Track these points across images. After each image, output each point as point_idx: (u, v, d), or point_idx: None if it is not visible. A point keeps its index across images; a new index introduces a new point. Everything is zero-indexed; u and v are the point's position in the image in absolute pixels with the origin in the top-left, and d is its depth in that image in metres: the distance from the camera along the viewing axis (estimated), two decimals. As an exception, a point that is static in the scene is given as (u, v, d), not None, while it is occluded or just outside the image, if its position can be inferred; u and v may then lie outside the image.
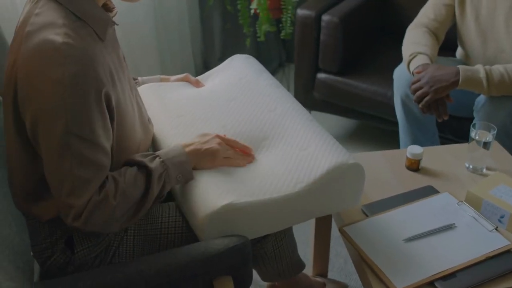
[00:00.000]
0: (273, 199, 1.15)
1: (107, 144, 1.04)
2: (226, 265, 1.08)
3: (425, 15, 1.97)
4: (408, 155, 1.54)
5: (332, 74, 2.37)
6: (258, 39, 2.75)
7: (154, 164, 1.10)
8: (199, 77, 1.58)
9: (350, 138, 2.68)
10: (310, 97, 2.49)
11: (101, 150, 1.02)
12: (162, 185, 1.12)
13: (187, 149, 1.18)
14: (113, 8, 1.18)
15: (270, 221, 1.19)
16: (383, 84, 2.24)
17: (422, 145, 1.80)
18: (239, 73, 1.52)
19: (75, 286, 0.99)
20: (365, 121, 2.47)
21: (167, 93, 1.46)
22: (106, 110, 1.02)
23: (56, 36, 0.96)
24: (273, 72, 3.27)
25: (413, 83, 1.78)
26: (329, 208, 1.25)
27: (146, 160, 1.11)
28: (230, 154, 1.24)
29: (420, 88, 1.75)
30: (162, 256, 1.05)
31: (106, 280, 1.00)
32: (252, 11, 2.61)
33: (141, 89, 1.48)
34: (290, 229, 1.40)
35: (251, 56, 1.61)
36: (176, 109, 1.39)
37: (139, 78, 1.54)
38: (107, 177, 1.05)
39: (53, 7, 1.01)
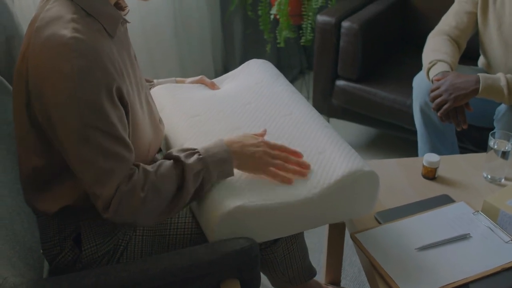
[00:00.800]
0: (286, 204, 1.14)
1: (125, 136, 1.04)
2: (232, 267, 1.07)
3: (447, 22, 1.94)
4: (425, 163, 1.52)
5: (351, 81, 2.35)
6: (278, 45, 2.75)
7: (190, 160, 1.08)
8: (214, 80, 1.58)
9: (369, 146, 2.66)
10: (328, 104, 2.47)
11: (119, 142, 1.02)
12: (200, 182, 1.09)
13: (231, 148, 1.14)
14: (125, 7, 1.18)
15: (282, 225, 1.17)
16: (403, 92, 2.22)
17: (441, 154, 1.77)
18: (255, 78, 1.52)
19: (80, 283, 0.99)
20: (384, 130, 2.44)
21: (182, 93, 1.46)
22: (119, 103, 1.02)
23: (64, 30, 0.97)
24: (294, 79, 3.26)
25: (432, 90, 1.75)
26: (342, 215, 1.23)
27: (182, 156, 1.09)
28: (279, 164, 1.16)
29: (439, 95, 1.72)
30: (168, 256, 1.04)
31: (110, 278, 0.99)
32: (272, 17, 2.61)
33: (155, 90, 1.48)
34: (301, 235, 1.38)
35: (267, 61, 1.60)
36: (191, 109, 1.39)
37: (155, 81, 1.54)
38: (138, 168, 1.05)
39: (64, 3, 1.02)
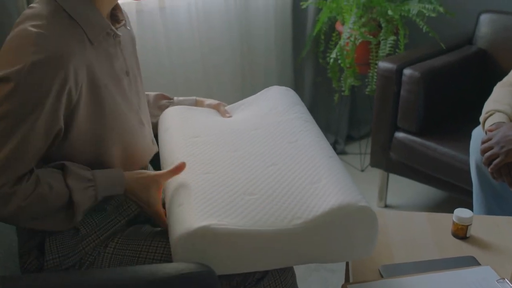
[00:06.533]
0: (261, 232, 1.01)
1: (40, 143, 1.00)
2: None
3: (515, 73, 1.73)
4: (455, 219, 1.31)
5: (410, 133, 2.16)
6: (343, 93, 2.63)
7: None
8: (230, 106, 1.53)
9: (432, 210, 2.40)
10: (387, 158, 2.29)
11: (27, 140, 0.98)
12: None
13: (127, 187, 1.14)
14: (122, 20, 1.19)
15: (255, 257, 1.04)
16: (464, 150, 1.97)
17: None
18: (271, 104, 1.45)
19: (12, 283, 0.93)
20: (445, 191, 2.19)
21: (191, 116, 1.42)
22: (62, 107, 1.00)
23: (33, 27, 0.98)
24: (366, 135, 3.09)
25: (483, 142, 1.54)
26: (331, 255, 1.08)
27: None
28: None
29: (490, 148, 1.51)
30: (108, 272, 0.96)
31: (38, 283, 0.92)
32: (332, 60, 2.49)
33: (168, 110, 1.46)
34: (290, 272, 1.20)
35: (289, 89, 1.53)
36: (193, 130, 1.34)
37: (175, 98, 1.54)
38: (31, 174, 1.01)
39: (49, 2, 1.04)
